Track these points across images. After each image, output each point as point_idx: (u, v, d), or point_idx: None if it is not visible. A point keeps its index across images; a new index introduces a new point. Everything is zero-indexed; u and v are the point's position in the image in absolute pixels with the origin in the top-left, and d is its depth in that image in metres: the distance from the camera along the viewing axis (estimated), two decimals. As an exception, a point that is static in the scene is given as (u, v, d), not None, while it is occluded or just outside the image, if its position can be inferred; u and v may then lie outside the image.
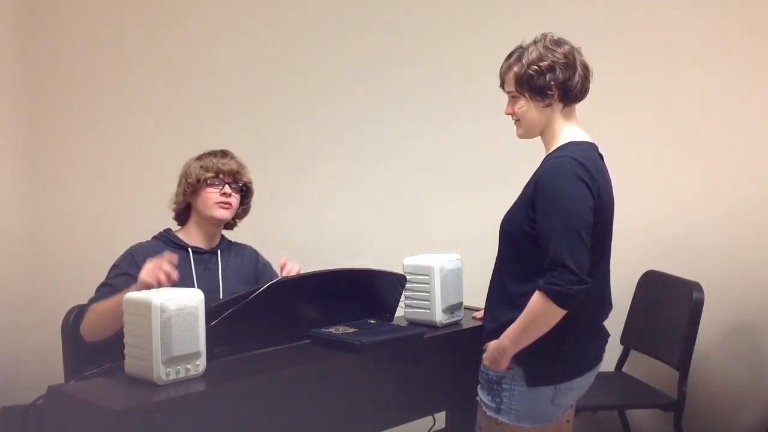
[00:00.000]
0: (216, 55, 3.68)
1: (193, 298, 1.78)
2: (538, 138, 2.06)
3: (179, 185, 2.41)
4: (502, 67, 2.04)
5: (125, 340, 1.78)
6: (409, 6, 3.48)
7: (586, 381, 2.02)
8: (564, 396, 1.98)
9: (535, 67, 1.96)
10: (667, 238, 3.14)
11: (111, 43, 3.79)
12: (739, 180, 3.09)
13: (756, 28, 3.07)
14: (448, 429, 2.41)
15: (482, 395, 2.02)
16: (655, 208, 3.15)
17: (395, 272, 2.33)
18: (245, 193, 2.47)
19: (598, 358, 2.06)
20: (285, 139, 3.60)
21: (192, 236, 2.40)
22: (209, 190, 2.37)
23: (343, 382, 2.02)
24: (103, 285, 2.23)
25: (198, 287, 2.26)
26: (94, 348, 2.16)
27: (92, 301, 2.20)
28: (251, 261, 2.49)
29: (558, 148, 1.99)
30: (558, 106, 2.00)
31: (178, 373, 1.75)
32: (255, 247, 2.55)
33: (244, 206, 2.49)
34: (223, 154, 2.43)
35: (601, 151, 2.04)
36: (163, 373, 1.72)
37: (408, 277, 2.34)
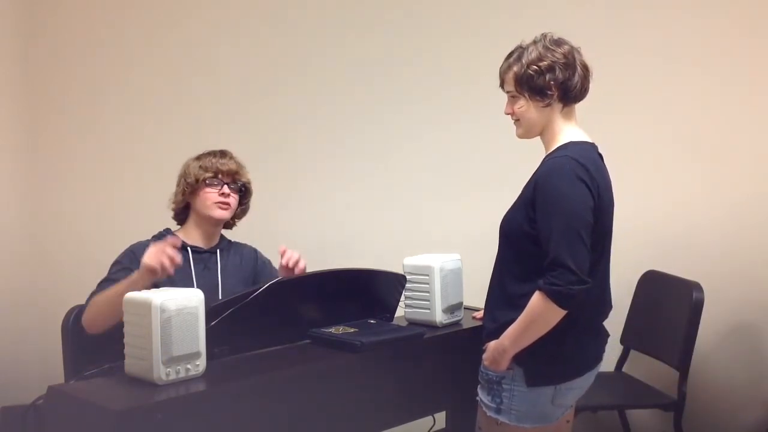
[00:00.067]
0: (216, 55, 3.68)
1: (193, 298, 1.78)
2: (538, 138, 2.06)
3: (178, 185, 2.42)
4: (501, 66, 2.04)
5: (125, 340, 1.78)
6: (409, 6, 3.48)
7: (586, 381, 2.02)
8: (564, 396, 1.98)
9: (535, 67, 1.96)
10: (667, 238, 3.14)
11: (111, 43, 3.79)
12: (739, 180, 3.09)
13: (756, 28, 3.07)
14: (448, 429, 2.41)
15: (482, 395, 2.02)
16: (655, 208, 3.15)
17: (395, 272, 2.33)
18: (244, 193, 2.47)
19: (598, 358, 2.06)
20: (285, 139, 3.60)
21: (191, 236, 2.40)
22: (208, 190, 2.37)
23: (343, 382, 2.02)
24: (104, 280, 2.24)
25: (197, 287, 2.27)
26: (94, 348, 2.16)
27: (93, 294, 2.20)
28: (250, 259, 2.49)
29: (558, 148, 1.99)
30: (557, 106, 2.00)
31: (178, 373, 1.75)
32: (255, 246, 2.55)
33: (243, 206, 2.49)
34: (222, 154, 2.43)
35: (601, 151, 2.04)
36: (163, 373, 1.72)
37: (408, 277, 2.34)
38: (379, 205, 3.49)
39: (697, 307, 2.74)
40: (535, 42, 2.00)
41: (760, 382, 3.09)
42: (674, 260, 3.04)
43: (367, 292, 2.30)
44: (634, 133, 3.15)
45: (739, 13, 3.08)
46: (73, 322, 2.32)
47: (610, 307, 2.09)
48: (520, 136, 2.08)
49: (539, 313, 1.87)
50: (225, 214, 2.39)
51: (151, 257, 2.03)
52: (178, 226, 2.45)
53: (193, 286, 2.29)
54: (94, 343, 2.18)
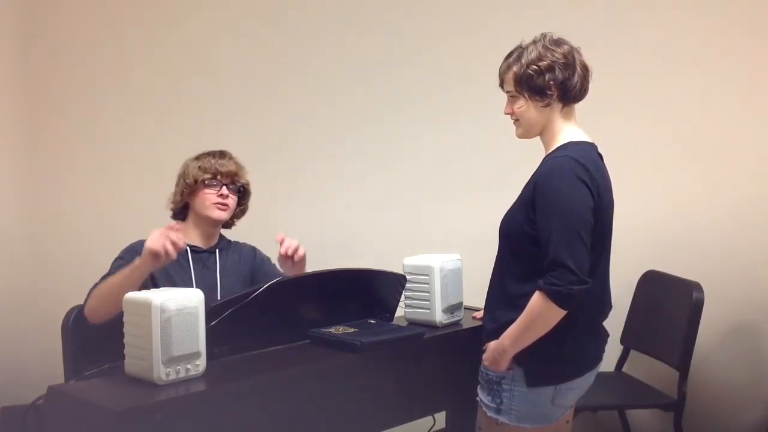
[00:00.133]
0: (216, 55, 3.68)
1: (193, 298, 1.78)
2: (538, 138, 2.06)
3: (177, 185, 2.42)
4: (501, 66, 2.04)
5: (125, 340, 1.78)
6: (409, 6, 3.48)
7: (586, 381, 2.02)
8: (564, 396, 1.98)
9: (535, 66, 1.96)
10: (667, 238, 3.14)
11: (111, 43, 3.79)
12: (739, 180, 3.09)
13: (756, 28, 3.07)
14: (448, 429, 2.41)
15: (482, 395, 2.02)
16: (655, 208, 3.15)
17: (395, 272, 2.33)
18: (243, 194, 2.47)
19: (598, 358, 2.06)
20: (285, 139, 3.60)
21: (190, 236, 2.40)
22: (207, 191, 2.37)
23: (343, 382, 2.02)
24: (106, 275, 2.24)
25: (196, 286, 2.28)
26: (94, 348, 2.16)
27: (95, 287, 2.21)
28: (249, 258, 2.50)
29: (557, 148, 1.99)
30: (557, 106, 2.00)
31: (178, 373, 1.75)
32: (254, 245, 2.55)
33: (242, 207, 2.50)
34: (222, 154, 2.43)
35: (601, 151, 2.04)
36: (163, 373, 1.72)
37: (408, 277, 2.34)
38: (379, 205, 3.49)
39: (697, 307, 2.74)
40: (534, 42, 2.00)
41: (760, 382, 3.09)
42: (674, 260, 3.04)
43: (367, 292, 2.30)
44: (634, 133, 3.15)
45: (739, 13, 3.08)
46: (73, 322, 2.32)
47: (610, 307, 2.09)
48: (520, 136, 2.08)
49: (539, 313, 1.87)
50: (223, 215, 2.39)
51: (154, 241, 2.03)
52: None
53: (192, 286, 2.30)
54: (94, 343, 2.18)
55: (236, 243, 2.52)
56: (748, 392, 3.10)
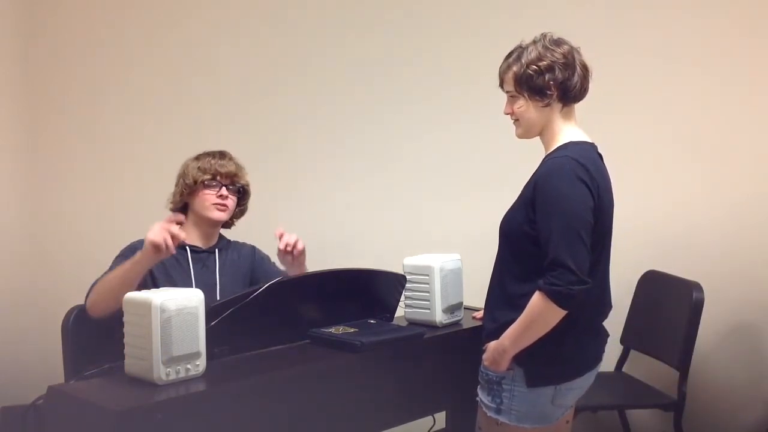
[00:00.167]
0: (216, 55, 3.68)
1: (193, 298, 1.78)
2: (538, 138, 2.06)
3: (177, 185, 2.42)
4: (501, 66, 2.04)
5: (125, 340, 1.78)
6: (409, 6, 3.48)
7: (586, 381, 2.02)
8: (564, 396, 1.98)
9: (534, 66, 1.96)
10: (667, 238, 3.14)
11: (111, 43, 3.79)
12: (739, 180, 3.09)
13: (756, 28, 3.07)
14: (448, 429, 2.41)
15: (482, 396, 2.02)
16: (655, 208, 3.15)
17: (395, 272, 2.33)
18: (242, 194, 2.47)
19: (598, 358, 2.06)
20: (285, 139, 3.60)
21: (190, 235, 2.41)
22: (206, 191, 2.38)
23: (343, 382, 2.02)
24: (108, 272, 2.24)
25: (195, 286, 2.28)
26: (94, 348, 2.16)
27: (96, 282, 2.21)
28: (248, 256, 2.50)
29: (557, 148, 1.99)
30: (557, 106, 2.00)
31: (178, 373, 1.75)
32: (254, 245, 2.56)
33: (241, 207, 2.50)
34: (221, 155, 2.43)
35: (601, 151, 2.04)
36: (163, 373, 1.73)
37: (408, 277, 2.34)
38: (379, 205, 3.49)
39: (697, 307, 2.74)
40: (534, 42, 2.00)
41: (760, 382, 3.09)
42: (674, 260, 3.04)
43: (367, 292, 2.30)
44: (634, 133, 3.15)
45: (739, 13, 3.08)
46: (73, 322, 2.32)
47: (610, 307, 2.09)
48: (520, 136, 2.08)
49: (539, 313, 1.87)
50: (222, 216, 2.40)
51: (155, 234, 2.04)
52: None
53: (191, 286, 2.30)
54: (94, 343, 2.18)
55: (236, 243, 2.53)
56: (748, 392, 3.10)
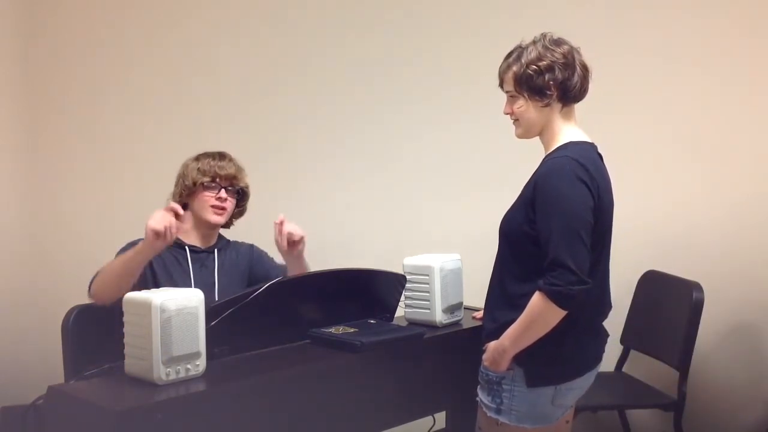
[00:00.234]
0: (216, 55, 3.68)
1: (193, 298, 1.78)
2: (538, 138, 2.06)
3: (176, 185, 2.43)
4: (501, 66, 2.04)
5: (125, 340, 1.78)
6: (409, 6, 3.48)
7: (586, 381, 2.02)
8: (564, 396, 1.98)
9: (534, 66, 1.96)
10: (667, 238, 3.14)
11: (111, 43, 3.79)
12: (739, 180, 3.09)
13: (756, 28, 3.07)
14: (448, 429, 2.41)
15: (482, 396, 2.02)
16: (655, 208, 3.15)
17: (395, 272, 2.33)
18: (241, 196, 2.48)
19: (598, 358, 2.06)
20: (285, 139, 3.60)
21: (189, 236, 2.42)
22: (205, 193, 2.38)
23: (343, 382, 2.02)
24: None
25: (194, 285, 2.29)
26: (94, 348, 2.16)
27: (99, 272, 2.23)
28: (246, 254, 2.51)
29: (557, 148, 1.99)
30: (557, 106, 2.00)
31: (178, 373, 1.75)
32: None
33: (240, 208, 2.50)
34: (221, 156, 2.43)
35: (601, 151, 2.04)
36: (163, 373, 1.73)
37: (408, 277, 2.35)
38: (379, 205, 3.49)
39: (697, 307, 2.74)
40: (534, 42, 2.00)
41: (760, 382, 3.09)
42: (674, 260, 3.04)
43: (367, 292, 2.30)
44: (634, 133, 3.15)
45: (739, 13, 3.08)
46: (73, 322, 2.32)
47: (610, 307, 2.09)
48: (519, 136, 2.08)
49: (539, 313, 1.87)
50: (220, 220, 2.40)
51: (156, 221, 2.06)
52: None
53: (190, 285, 2.31)
54: (94, 343, 2.18)
55: (235, 242, 2.53)
56: (748, 392, 3.10)
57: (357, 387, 2.05)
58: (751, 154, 3.08)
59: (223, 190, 2.39)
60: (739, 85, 3.08)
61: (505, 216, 2.04)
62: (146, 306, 1.72)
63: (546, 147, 2.04)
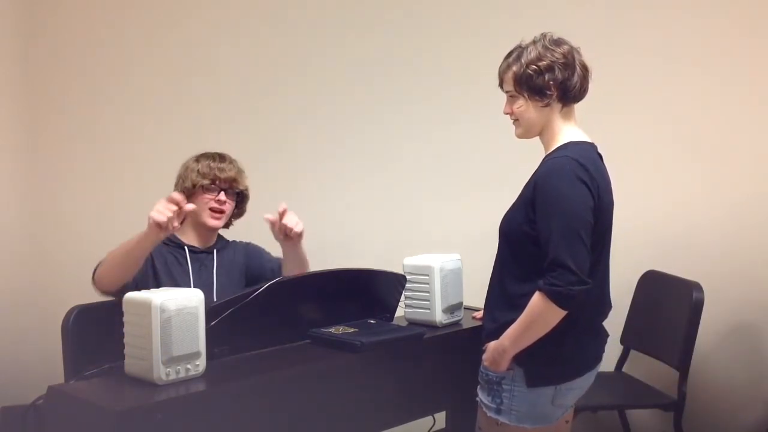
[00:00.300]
0: (216, 55, 3.68)
1: (193, 298, 1.78)
2: (538, 138, 2.06)
3: (176, 186, 2.43)
4: (500, 66, 2.04)
5: (125, 340, 1.78)
6: (409, 6, 3.48)
7: (586, 381, 2.02)
8: (564, 396, 1.98)
9: (534, 66, 1.96)
10: (667, 238, 3.14)
11: (111, 43, 3.79)
12: (739, 180, 3.09)
13: (756, 28, 3.07)
14: (448, 429, 2.41)
15: (482, 396, 2.02)
16: (655, 208, 3.15)
17: (395, 272, 2.33)
18: (241, 198, 2.48)
19: (598, 358, 2.06)
20: (285, 139, 3.60)
21: (188, 236, 2.43)
22: (205, 195, 2.38)
23: (343, 382, 2.02)
24: None
25: (194, 285, 2.29)
26: (94, 348, 2.16)
27: (102, 261, 2.23)
28: (242, 251, 2.52)
29: (557, 148, 1.99)
30: (557, 106, 2.00)
31: (178, 373, 1.75)
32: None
33: (239, 210, 2.50)
34: (221, 158, 2.43)
35: (601, 151, 2.04)
36: (163, 373, 1.72)
37: (408, 277, 2.34)
38: (379, 205, 3.49)
39: (697, 307, 2.74)
40: (534, 42, 2.00)
41: (760, 382, 3.09)
42: (674, 260, 3.04)
43: (367, 292, 2.30)
44: (634, 133, 3.15)
45: (739, 13, 3.09)
46: (73, 322, 2.32)
47: (610, 307, 2.09)
48: (519, 136, 2.08)
49: (539, 313, 1.87)
50: (217, 224, 2.41)
51: (159, 212, 2.06)
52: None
53: (189, 285, 2.31)
54: (94, 343, 2.18)
55: (234, 242, 2.54)
56: (748, 392, 3.10)
57: (357, 387, 2.05)
58: (751, 154, 3.08)
59: (222, 193, 2.39)
60: (739, 85, 3.08)
61: (505, 216, 2.04)
62: (146, 306, 1.72)
63: (546, 147, 2.04)
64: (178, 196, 2.10)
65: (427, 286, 2.32)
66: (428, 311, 2.33)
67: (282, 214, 2.27)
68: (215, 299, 2.30)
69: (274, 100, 3.61)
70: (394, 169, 3.50)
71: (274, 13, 3.64)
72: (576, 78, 1.97)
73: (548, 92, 1.97)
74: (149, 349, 1.71)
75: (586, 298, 1.86)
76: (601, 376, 2.11)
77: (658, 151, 3.18)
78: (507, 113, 2.06)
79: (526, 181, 2.00)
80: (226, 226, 2.52)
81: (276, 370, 1.92)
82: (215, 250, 2.45)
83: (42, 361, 2.99)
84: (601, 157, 2.03)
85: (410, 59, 3.45)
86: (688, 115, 3.13)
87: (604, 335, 2.08)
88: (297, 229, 2.28)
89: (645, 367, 3.08)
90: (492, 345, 1.97)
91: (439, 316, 2.33)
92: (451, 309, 2.36)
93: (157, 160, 3.28)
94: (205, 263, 2.41)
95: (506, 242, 2.03)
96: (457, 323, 2.40)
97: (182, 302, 1.75)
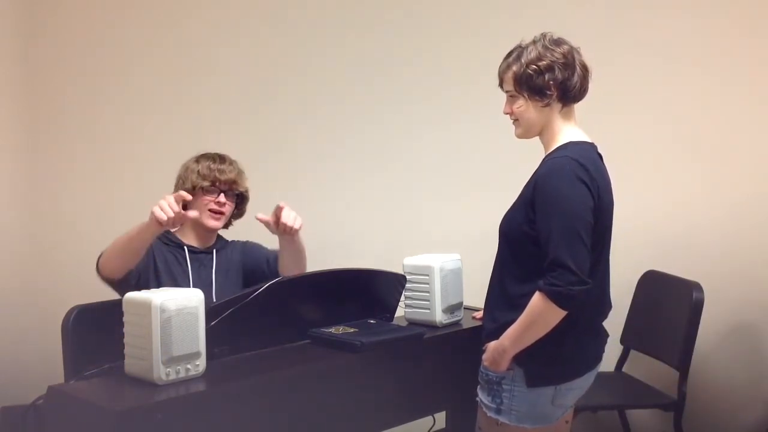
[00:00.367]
0: (216, 55, 3.68)
1: (193, 298, 1.78)
2: (538, 138, 2.06)
3: (176, 187, 2.43)
4: (500, 66, 2.04)
5: (125, 340, 1.78)
6: (409, 6, 3.48)
7: (585, 381, 2.02)
8: (564, 396, 1.98)
9: (534, 66, 1.96)
10: (667, 238, 3.14)
11: (111, 43, 3.79)
12: (739, 180, 3.09)
13: (756, 28, 3.07)
14: (448, 429, 2.41)
15: (482, 396, 2.02)
16: (655, 208, 3.15)
17: (395, 272, 2.33)
18: (241, 200, 2.48)
19: (598, 358, 2.06)
20: (285, 139, 3.60)
21: (188, 236, 2.43)
22: (204, 197, 2.38)
23: (343, 382, 2.02)
24: None
25: (193, 285, 2.29)
26: (94, 348, 2.16)
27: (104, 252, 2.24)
28: (240, 249, 2.52)
29: (557, 148, 1.99)
30: (557, 106, 2.00)
31: (178, 373, 1.75)
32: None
33: (239, 211, 2.51)
34: (222, 159, 2.43)
35: (601, 151, 2.04)
36: (163, 373, 1.72)
37: (408, 277, 2.34)
38: (379, 205, 3.49)
39: (697, 307, 2.74)
40: (534, 42, 2.00)
41: (760, 382, 3.09)
42: (674, 260, 3.04)
43: (367, 292, 2.30)
44: (634, 133, 3.15)
45: (739, 13, 3.08)
46: (73, 322, 2.32)
47: (610, 307, 2.09)
48: (519, 136, 2.08)
49: (539, 313, 1.87)
50: (216, 225, 2.41)
51: (163, 208, 2.06)
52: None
53: (189, 285, 2.31)
54: (94, 343, 2.17)
55: (233, 242, 2.54)
56: (748, 392, 3.10)
57: (357, 387, 2.05)
58: (751, 154, 3.08)
59: (222, 195, 2.40)
60: (739, 85, 3.08)
61: (505, 216, 2.04)
62: (146, 306, 1.72)
63: (546, 147, 2.04)
64: (186, 195, 2.10)
65: (427, 286, 2.32)
66: (428, 311, 2.33)
67: (279, 212, 2.27)
68: (214, 299, 2.30)
69: (274, 100, 3.61)
70: (394, 169, 3.49)
71: (274, 13, 3.64)
72: (576, 78, 1.97)
73: (548, 92, 1.97)
74: (149, 349, 1.71)
75: (586, 298, 1.86)
76: (601, 376, 2.11)
77: (658, 151, 3.18)
78: (507, 113, 2.06)
79: (526, 181, 2.00)
80: (226, 226, 2.52)
81: (276, 370, 1.92)
82: (214, 250, 2.45)
83: (42, 361, 2.99)
84: (601, 157, 2.03)
85: (410, 59, 3.45)
86: (688, 115, 3.13)
87: (604, 335, 2.08)
88: (296, 225, 2.28)
89: (645, 367, 3.08)
90: (492, 345, 1.97)
91: (439, 316, 2.33)
92: (451, 309, 2.36)
93: (157, 160, 3.28)
94: (204, 263, 2.41)
95: (506, 242, 2.03)
96: (457, 323, 2.40)
97: (182, 302, 1.75)
